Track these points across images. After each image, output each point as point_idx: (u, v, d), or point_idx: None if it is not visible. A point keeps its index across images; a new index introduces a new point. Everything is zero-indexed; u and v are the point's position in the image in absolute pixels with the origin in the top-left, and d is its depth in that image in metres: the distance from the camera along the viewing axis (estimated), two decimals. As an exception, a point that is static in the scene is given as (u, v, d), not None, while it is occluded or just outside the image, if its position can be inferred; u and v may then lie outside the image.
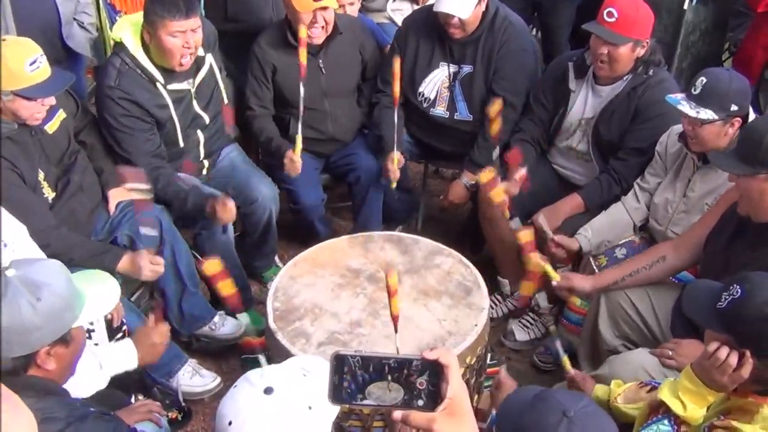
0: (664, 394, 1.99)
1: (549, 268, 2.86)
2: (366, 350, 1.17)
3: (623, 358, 2.64)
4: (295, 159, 3.36)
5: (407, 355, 1.16)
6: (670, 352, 2.46)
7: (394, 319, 2.31)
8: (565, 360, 2.64)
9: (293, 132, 3.48)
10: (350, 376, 1.15)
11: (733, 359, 1.85)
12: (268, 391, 1.57)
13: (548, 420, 1.50)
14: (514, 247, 3.47)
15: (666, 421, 1.98)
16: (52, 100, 2.73)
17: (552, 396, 1.56)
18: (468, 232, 3.92)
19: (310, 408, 1.57)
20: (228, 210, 3.07)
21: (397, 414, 1.16)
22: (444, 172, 4.54)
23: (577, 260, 3.24)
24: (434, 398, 1.14)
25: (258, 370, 1.65)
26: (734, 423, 1.83)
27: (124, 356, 2.41)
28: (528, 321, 3.56)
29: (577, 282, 2.86)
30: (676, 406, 1.95)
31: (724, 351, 1.87)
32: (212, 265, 2.52)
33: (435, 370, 1.15)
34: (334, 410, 1.65)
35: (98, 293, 2.10)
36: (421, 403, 1.15)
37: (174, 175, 3.19)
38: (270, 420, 1.54)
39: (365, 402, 1.15)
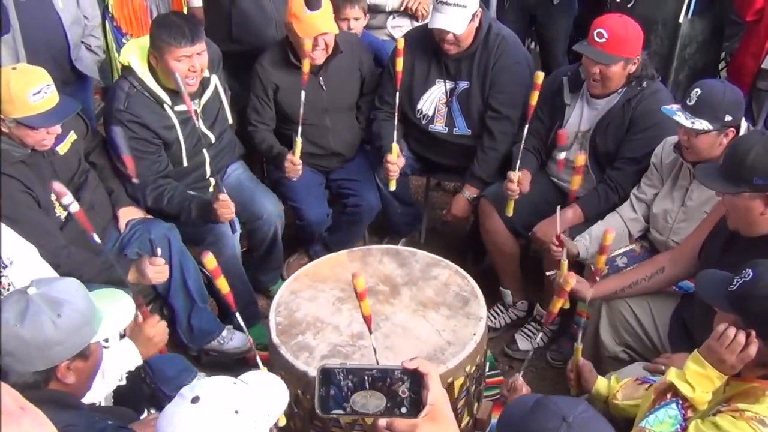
0: (673, 377, 2.05)
1: (565, 263, 2.87)
2: (349, 363, 1.24)
3: (620, 373, 2.67)
4: (296, 161, 3.42)
5: (388, 366, 1.23)
6: (663, 367, 2.51)
7: (367, 320, 2.36)
8: (578, 348, 2.66)
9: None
10: (336, 388, 1.22)
11: (742, 338, 1.93)
12: (194, 400, 1.62)
13: (548, 426, 1.54)
14: (515, 257, 3.56)
15: (674, 405, 2.04)
16: (57, 129, 2.79)
17: (551, 402, 1.60)
18: (470, 244, 3.98)
19: (236, 412, 1.62)
20: (224, 204, 3.09)
21: (382, 422, 1.22)
22: (446, 184, 4.60)
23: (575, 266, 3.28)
24: (416, 405, 1.21)
25: (191, 384, 1.71)
26: (740, 405, 1.89)
27: (126, 355, 2.47)
28: (531, 330, 3.61)
29: (580, 287, 2.90)
30: (685, 389, 2.01)
31: (732, 330, 1.95)
32: (210, 261, 2.55)
33: (415, 379, 1.22)
34: (269, 417, 1.73)
35: (114, 310, 2.18)
36: (404, 410, 1.22)
37: (179, 186, 3.26)
38: (195, 426, 1.59)
39: (351, 408, 1.22)
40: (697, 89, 2.74)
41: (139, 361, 2.48)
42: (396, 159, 3.46)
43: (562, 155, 3.43)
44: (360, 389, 1.22)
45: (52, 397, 1.87)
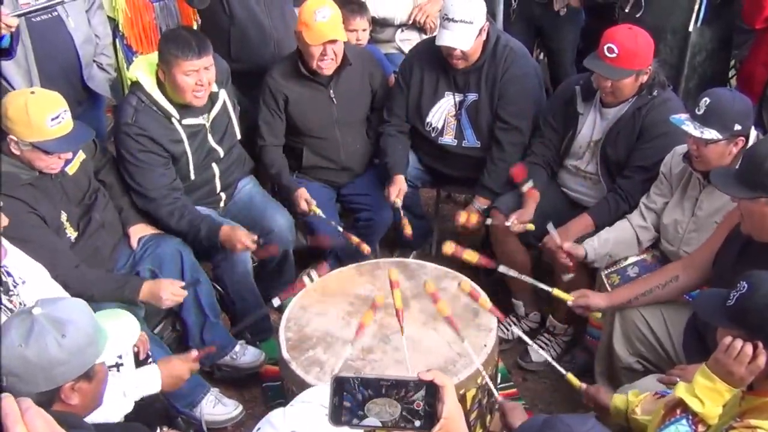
0: (682, 392, 2.02)
1: (558, 291, 2.92)
2: (364, 373, 1.23)
3: (634, 386, 2.64)
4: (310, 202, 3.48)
5: (403, 377, 1.21)
6: (677, 379, 2.49)
7: (398, 312, 2.41)
8: (570, 377, 2.66)
9: (306, 163, 3.61)
10: (350, 398, 1.20)
11: (749, 349, 1.91)
12: None
13: None
14: (527, 268, 3.55)
15: (684, 421, 2.01)
16: (69, 154, 2.82)
17: (560, 420, 1.59)
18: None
19: None
20: (241, 241, 3.14)
21: None
22: (456, 197, 4.59)
23: (586, 272, 3.28)
24: (431, 418, 1.20)
25: (280, 411, 1.69)
26: (753, 422, 1.87)
27: (149, 380, 2.49)
28: (544, 341, 3.59)
29: (593, 300, 2.90)
30: (694, 403, 1.99)
31: (738, 342, 1.93)
32: None
33: (431, 391, 1.20)
34: None
35: (119, 330, 2.19)
36: (418, 423, 1.20)
37: (189, 205, 3.28)
38: None
39: (364, 423, 1.20)
40: (706, 98, 2.73)
41: (158, 389, 2.49)
42: (398, 190, 3.51)
43: (573, 164, 3.43)
44: (376, 397, 1.20)
45: (58, 419, 1.88)
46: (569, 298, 2.90)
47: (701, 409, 1.98)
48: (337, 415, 1.20)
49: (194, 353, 2.66)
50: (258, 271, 3.66)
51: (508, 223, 3.26)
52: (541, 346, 3.55)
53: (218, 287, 3.44)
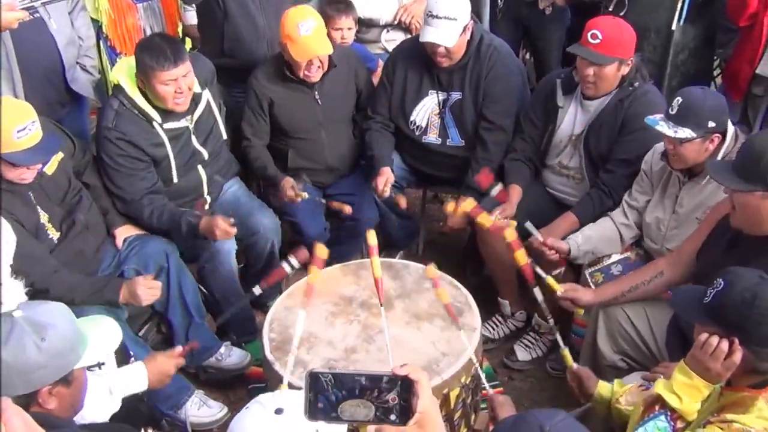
0: (660, 389, 2.04)
1: (551, 279, 2.92)
2: (339, 369, 1.23)
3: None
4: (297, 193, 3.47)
5: (378, 372, 1.20)
6: (661, 376, 2.49)
7: (377, 282, 2.48)
8: (566, 353, 2.67)
9: (292, 165, 3.61)
10: (324, 393, 1.20)
11: (725, 345, 1.92)
12: (278, 411, 1.66)
13: None
14: (512, 268, 3.54)
15: (663, 417, 2.02)
16: (32, 173, 2.77)
17: (531, 415, 1.62)
18: (468, 255, 3.98)
19: (317, 431, 1.63)
20: (218, 227, 3.11)
21: (371, 429, 1.21)
22: (443, 196, 4.59)
23: (571, 270, 3.28)
24: (406, 413, 1.19)
25: (270, 394, 1.74)
26: (728, 416, 1.88)
27: (135, 379, 2.48)
28: (530, 341, 3.60)
29: (581, 294, 2.91)
30: (672, 400, 2.00)
31: (714, 338, 1.94)
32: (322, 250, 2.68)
33: (405, 386, 1.20)
34: None
35: (101, 335, 2.18)
36: (393, 417, 1.20)
37: (168, 204, 3.26)
38: None
39: (339, 418, 1.20)
40: (679, 98, 2.75)
41: (145, 387, 2.48)
42: (385, 181, 3.49)
43: (555, 160, 3.44)
44: (349, 398, 1.19)
45: (38, 419, 1.87)
46: (559, 289, 2.91)
47: (679, 405, 2.00)
48: (312, 411, 1.20)
49: (179, 349, 2.64)
50: (244, 272, 3.66)
51: (492, 217, 3.24)
52: (526, 345, 3.58)
53: (203, 288, 3.43)
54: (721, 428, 1.86)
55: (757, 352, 1.90)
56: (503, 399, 2.38)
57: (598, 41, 3.06)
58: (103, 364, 2.56)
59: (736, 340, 1.91)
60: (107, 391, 2.38)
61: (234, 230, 3.16)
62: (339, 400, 1.19)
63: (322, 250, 2.67)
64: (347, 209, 3.47)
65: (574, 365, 2.60)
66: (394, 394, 1.19)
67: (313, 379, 1.20)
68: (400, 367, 1.21)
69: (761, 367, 1.92)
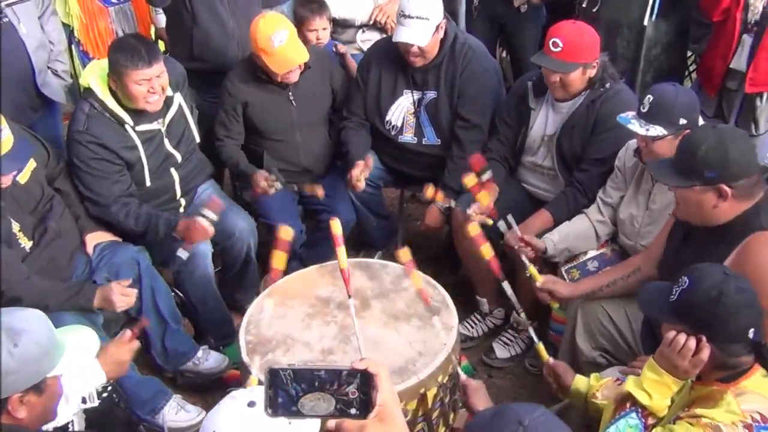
0: (630, 386, 2.05)
1: (533, 269, 2.93)
2: (298, 364, 1.23)
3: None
4: (270, 184, 3.45)
5: (337, 366, 1.21)
6: (639, 370, 2.50)
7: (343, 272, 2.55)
8: (540, 347, 2.68)
9: (267, 166, 3.59)
10: (285, 389, 1.20)
11: (692, 343, 1.93)
12: (251, 404, 1.66)
13: (505, 431, 1.54)
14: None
15: (634, 414, 2.03)
16: (8, 180, 2.75)
17: (509, 409, 1.59)
18: (446, 254, 3.98)
19: (290, 423, 1.64)
20: (196, 228, 3.10)
21: (331, 423, 1.22)
22: (421, 196, 4.56)
23: (547, 267, 3.28)
24: (366, 406, 1.20)
25: (242, 389, 1.73)
26: (698, 411, 1.89)
27: (90, 376, 2.40)
28: (508, 338, 3.60)
29: (560, 286, 2.92)
30: (642, 397, 2.02)
31: (682, 336, 1.95)
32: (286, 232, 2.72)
33: (365, 380, 1.20)
34: (315, 427, 1.70)
35: (77, 344, 2.16)
36: (353, 411, 1.20)
37: (144, 206, 3.23)
38: (253, 430, 1.62)
39: (300, 413, 1.20)
40: (650, 95, 2.76)
41: (104, 380, 2.43)
42: (360, 173, 3.47)
43: (529, 159, 3.44)
44: (309, 392, 1.20)
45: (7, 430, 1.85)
46: (540, 279, 2.92)
47: (649, 402, 2.01)
48: (273, 407, 1.20)
49: (128, 333, 2.56)
50: (221, 276, 3.64)
51: (469, 211, 3.24)
52: (505, 343, 3.58)
53: (179, 293, 3.41)
54: (691, 423, 1.87)
55: (724, 348, 1.92)
56: (477, 384, 2.38)
57: (559, 49, 3.08)
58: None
59: (704, 338, 1.92)
60: (64, 399, 2.35)
61: (212, 230, 3.14)
62: (299, 395, 1.20)
63: (286, 232, 2.72)
64: (320, 192, 3.49)
65: (550, 359, 2.61)
66: (354, 387, 1.20)
67: (273, 374, 1.20)
68: (359, 360, 1.22)
69: (729, 362, 1.93)
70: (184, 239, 3.15)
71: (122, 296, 2.87)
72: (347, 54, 4.00)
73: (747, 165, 2.29)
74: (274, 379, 1.20)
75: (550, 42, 3.08)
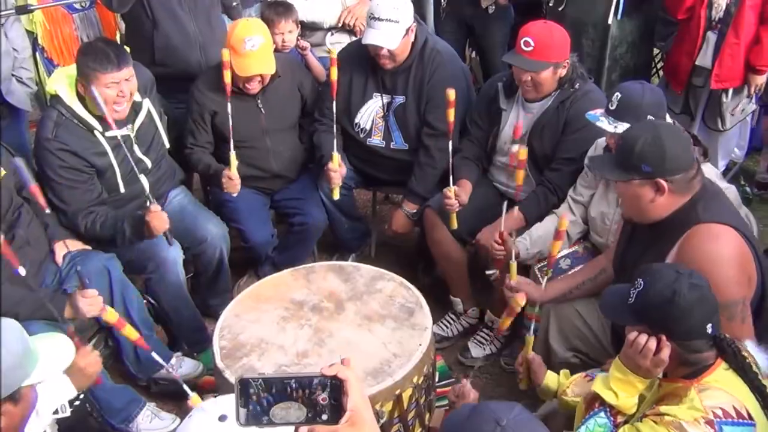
0: (597, 387, 2.09)
1: (514, 266, 2.92)
2: (268, 373, 1.23)
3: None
4: (232, 176, 3.40)
5: (307, 374, 1.21)
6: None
7: None
8: (530, 339, 2.69)
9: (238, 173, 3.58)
10: (255, 398, 1.20)
11: (652, 344, 1.97)
12: (222, 418, 1.62)
13: (482, 430, 1.55)
14: (462, 265, 3.57)
15: (603, 414, 2.07)
16: None
17: (486, 407, 1.61)
18: (420, 255, 3.98)
19: None
20: (156, 215, 3.05)
21: (303, 430, 1.22)
22: (394, 197, 4.59)
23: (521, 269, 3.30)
24: (337, 411, 1.21)
25: (212, 399, 1.71)
26: (662, 408, 1.92)
27: (58, 390, 2.38)
28: (483, 337, 3.61)
29: (531, 288, 2.92)
30: (608, 396, 2.05)
31: (642, 337, 1.99)
32: (111, 314, 2.61)
33: (335, 386, 1.21)
34: None
35: (52, 352, 2.13)
36: (324, 417, 1.21)
37: (110, 211, 3.20)
38: None
39: (272, 422, 1.20)
40: (618, 93, 2.79)
41: (74, 393, 2.41)
42: (337, 167, 3.45)
43: (504, 159, 3.46)
44: (280, 401, 1.20)
45: None
46: (515, 278, 2.91)
47: (615, 401, 2.04)
48: (244, 417, 1.20)
49: (89, 345, 2.55)
50: (193, 281, 3.61)
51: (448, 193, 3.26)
52: (480, 342, 3.59)
53: (151, 300, 3.38)
54: (655, 421, 1.90)
55: (684, 345, 1.96)
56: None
57: (530, 48, 3.10)
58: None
59: (663, 338, 1.96)
60: (34, 413, 2.32)
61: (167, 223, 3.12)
62: (270, 404, 1.20)
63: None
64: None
65: (531, 354, 2.64)
66: (325, 394, 1.21)
67: (243, 385, 1.20)
68: (329, 367, 1.22)
69: (691, 358, 1.97)
70: (150, 232, 3.10)
71: (88, 304, 2.82)
72: (308, 52, 3.99)
73: (683, 160, 2.32)
74: (245, 389, 1.20)
75: (522, 41, 3.10)
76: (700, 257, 2.24)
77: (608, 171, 2.44)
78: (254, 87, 3.48)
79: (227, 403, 1.66)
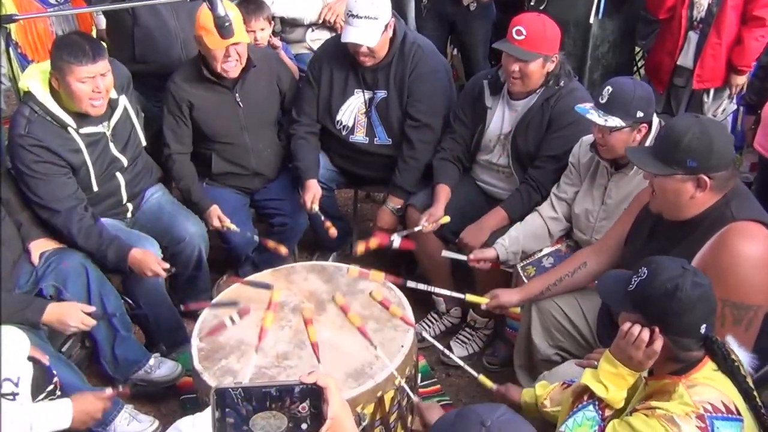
0: (587, 379, 2.06)
1: (471, 296, 2.96)
2: (246, 382, 1.20)
3: (553, 373, 2.68)
4: (223, 219, 3.46)
5: (287, 382, 1.20)
6: (595, 362, 2.51)
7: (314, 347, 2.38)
8: (482, 378, 2.69)
9: (216, 170, 3.53)
10: (235, 408, 1.17)
11: (645, 334, 1.95)
12: None
13: None
14: (445, 265, 3.54)
15: (591, 407, 2.04)
16: None
17: (471, 410, 1.60)
18: (402, 254, 3.94)
19: None
20: (149, 266, 3.07)
21: None
22: (375, 196, 4.56)
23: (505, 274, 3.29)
24: (317, 419, 1.20)
25: (189, 418, 1.66)
26: (653, 403, 1.91)
27: (59, 415, 2.37)
28: (466, 337, 3.59)
29: (505, 298, 2.91)
30: (598, 389, 2.03)
31: (636, 328, 1.97)
32: None
33: (315, 394, 1.20)
34: None
35: (6, 348, 2.08)
36: (305, 426, 1.19)
37: (99, 224, 3.15)
38: None
39: None
40: (609, 87, 2.78)
41: (67, 425, 2.38)
42: (311, 197, 3.49)
43: (485, 158, 3.44)
44: (260, 410, 1.18)
45: None
46: (483, 301, 2.93)
47: (605, 395, 2.02)
48: (222, 428, 1.18)
49: (109, 391, 2.55)
50: (172, 281, 3.56)
51: (418, 228, 3.25)
52: (463, 341, 3.57)
53: (129, 300, 3.32)
54: (646, 414, 1.89)
55: (677, 341, 1.94)
56: (428, 404, 2.41)
57: (522, 37, 3.08)
58: (17, 394, 2.45)
59: (657, 330, 1.94)
60: (28, 426, 2.28)
61: (164, 274, 3.13)
62: (250, 414, 1.18)
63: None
64: (283, 251, 3.43)
65: (494, 386, 2.63)
66: (305, 403, 1.20)
67: (220, 395, 1.18)
68: (308, 375, 1.21)
69: (680, 355, 1.95)
70: (132, 272, 3.11)
71: (81, 322, 2.82)
72: (280, 50, 3.95)
73: (727, 157, 2.30)
74: (222, 399, 1.17)
75: (514, 30, 3.09)
76: (732, 254, 2.20)
77: (650, 165, 2.37)
78: (233, 68, 3.40)
79: (204, 422, 1.61)
